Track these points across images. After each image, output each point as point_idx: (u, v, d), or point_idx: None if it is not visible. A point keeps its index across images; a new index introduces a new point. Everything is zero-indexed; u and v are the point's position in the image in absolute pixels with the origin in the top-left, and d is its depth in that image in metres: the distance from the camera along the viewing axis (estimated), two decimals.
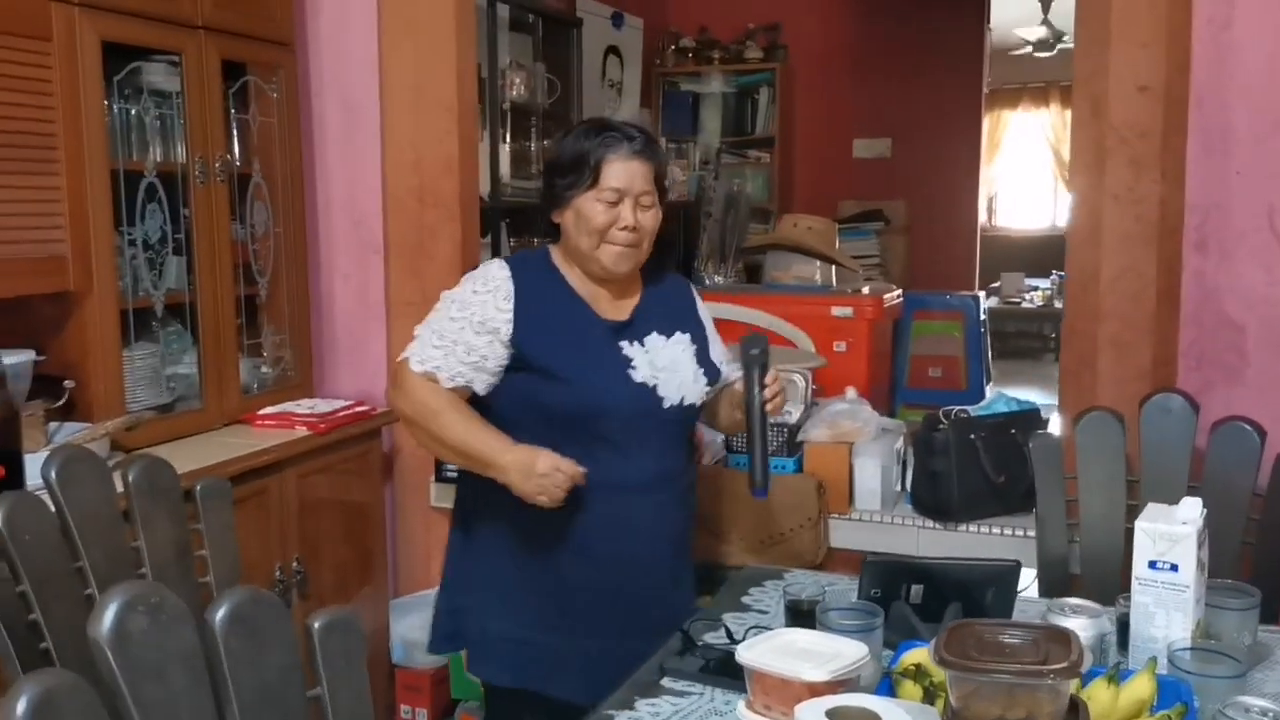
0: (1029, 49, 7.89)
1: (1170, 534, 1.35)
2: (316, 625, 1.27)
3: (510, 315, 1.80)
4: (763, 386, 1.78)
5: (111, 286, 2.28)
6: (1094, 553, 2.11)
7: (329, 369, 3.01)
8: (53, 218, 2.16)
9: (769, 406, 1.79)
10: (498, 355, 1.80)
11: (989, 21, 6.04)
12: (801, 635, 1.28)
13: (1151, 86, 2.25)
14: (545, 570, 1.83)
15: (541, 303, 1.83)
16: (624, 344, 1.83)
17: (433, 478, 2.89)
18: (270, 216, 2.76)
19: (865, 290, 3.60)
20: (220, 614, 1.17)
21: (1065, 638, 1.03)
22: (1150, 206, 2.28)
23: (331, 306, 3.00)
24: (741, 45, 5.97)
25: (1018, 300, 8.87)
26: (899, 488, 2.61)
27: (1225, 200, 2.26)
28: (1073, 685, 1.14)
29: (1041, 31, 7.52)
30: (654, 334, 1.87)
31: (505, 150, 4.00)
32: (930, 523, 2.47)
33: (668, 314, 1.89)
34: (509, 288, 1.82)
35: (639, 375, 1.82)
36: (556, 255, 1.90)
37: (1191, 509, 1.39)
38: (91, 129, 2.21)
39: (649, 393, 1.82)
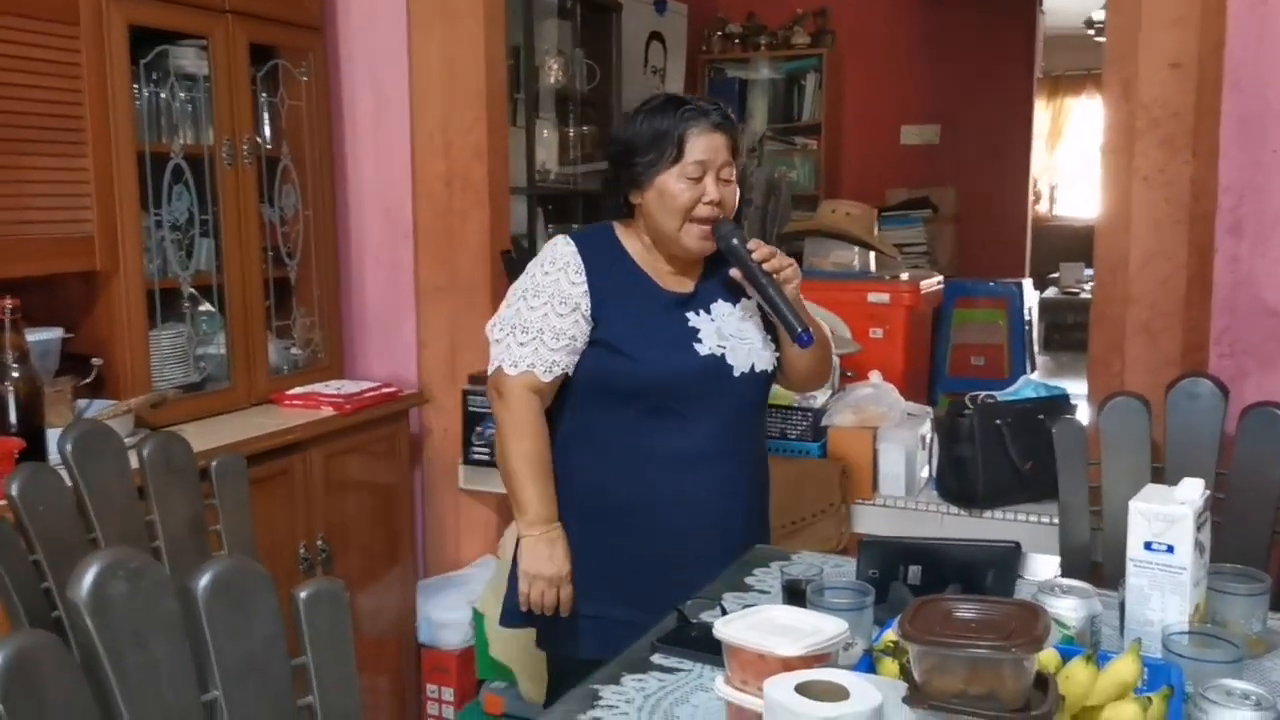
0: (1090, 32, 7.70)
1: (1166, 514, 1.31)
2: (303, 595, 1.29)
3: (585, 288, 1.81)
4: (750, 253, 1.77)
5: (138, 267, 2.33)
6: (1116, 540, 2.04)
7: (359, 352, 3.05)
8: (80, 199, 2.21)
9: (768, 266, 1.77)
10: (584, 332, 1.82)
11: (1041, 5, 5.91)
12: (783, 612, 1.26)
13: (1184, 64, 2.18)
14: (616, 545, 1.84)
15: (608, 277, 1.84)
16: (690, 315, 1.83)
17: (461, 460, 2.91)
18: (299, 199, 2.80)
19: (903, 276, 3.55)
20: (204, 582, 1.18)
21: (1033, 613, 1.00)
22: (1181, 188, 2.21)
23: (362, 290, 3.04)
24: (789, 31, 5.92)
25: (1076, 291, 8.68)
26: (924, 474, 2.57)
27: (1262, 181, 2.18)
28: (1050, 664, 1.12)
29: (1102, 14, 7.34)
30: (720, 301, 1.87)
31: (544, 137, 4.01)
32: (955, 509, 2.44)
33: (734, 281, 1.86)
34: (578, 261, 1.83)
35: (705, 347, 1.81)
36: (620, 230, 1.90)
37: (1191, 490, 1.35)
38: (119, 112, 2.26)
39: (718, 362, 1.82)
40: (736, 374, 1.83)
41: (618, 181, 1.86)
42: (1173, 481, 1.74)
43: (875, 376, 2.62)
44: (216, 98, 2.51)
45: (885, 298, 3.31)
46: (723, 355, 1.82)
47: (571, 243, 1.86)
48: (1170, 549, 1.32)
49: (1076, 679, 1.09)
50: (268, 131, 2.77)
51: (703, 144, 1.78)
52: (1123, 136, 2.27)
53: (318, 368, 2.88)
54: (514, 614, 1.95)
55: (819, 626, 1.21)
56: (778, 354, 1.89)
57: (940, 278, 3.81)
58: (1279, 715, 1.01)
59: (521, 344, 1.82)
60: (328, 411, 2.63)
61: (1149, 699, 1.10)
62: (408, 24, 2.89)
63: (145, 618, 1.13)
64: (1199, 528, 1.33)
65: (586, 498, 1.86)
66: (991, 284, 4.34)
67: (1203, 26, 2.16)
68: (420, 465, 3.02)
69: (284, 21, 2.70)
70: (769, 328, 1.89)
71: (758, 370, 1.85)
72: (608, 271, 1.84)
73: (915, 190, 5.54)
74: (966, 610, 1.02)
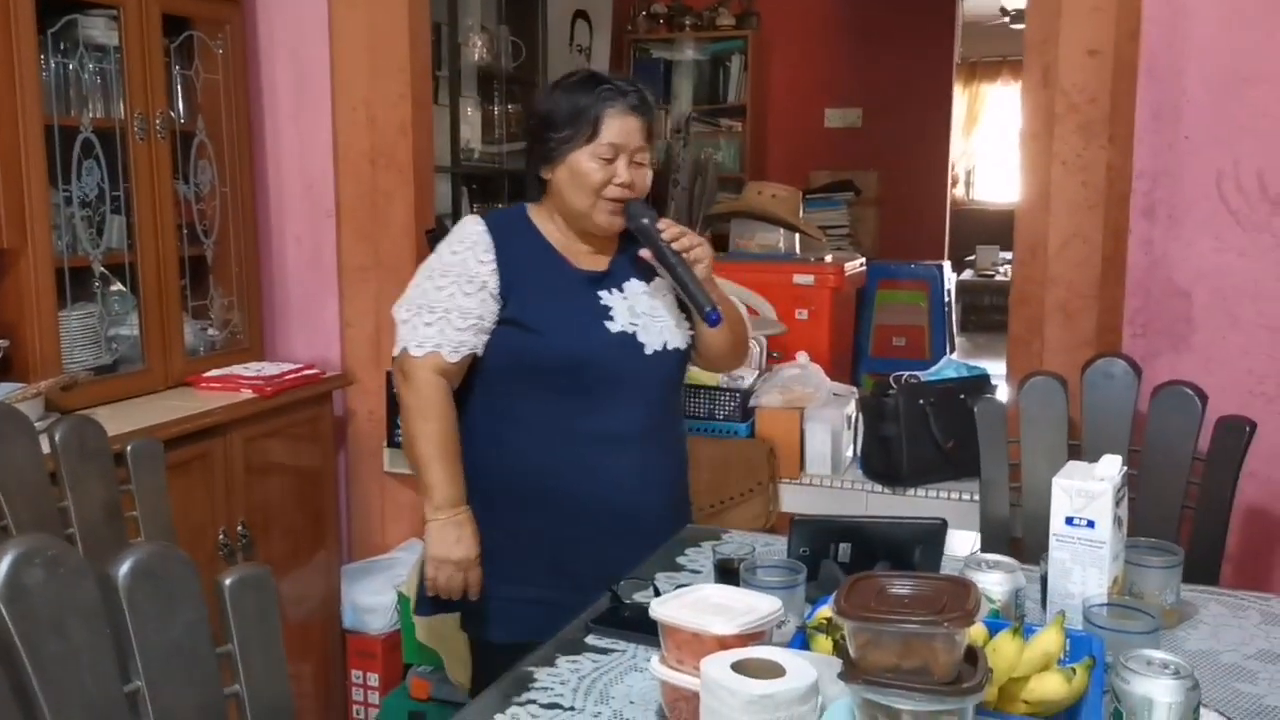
0: (1005, 20, 7.85)
1: (1087, 490, 1.35)
2: (228, 582, 1.26)
3: (494, 267, 1.79)
4: (660, 232, 1.77)
5: (46, 244, 2.25)
6: (1035, 516, 2.10)
7: (280, 333, 2.98)
8: None
9: (677, 245, 1.77)
10: (491, 312, 1.79)
11: None
12: (717, 591, 1.27)
13: (1101, 51, 2.23)
14: (532, 527, 1.83)
15: (519, 256, 1.81)
16: (603, 293, 1.82)
17: (385, 443, 2.87)
18: (215, 175, 2.72)
19: (828, 258, 3.59)
20: (124, 569, 1.15)
21: (965, 588, 1.02)
22: (1098, 173, 2.27)
23: (283, 269, 2.97)
24: (713, 12, 5.92)
25: (992, 273, 8.89)
26: (850, 453, 2.61)
27: (1174, 166, 2.25)
28: (978, 637, 1.14)
29: (1017, 1, 7.49)
30: (633, 279, 1.86)
31: (468, 115, 3.96)
32: (880, 487, 2.48)
33: (643, 261, 1.84)
34: (487, 240, 1.81)
35: (617, 324, 1.80)
36: (533, 211, 1.88)
37: (1110, 466, 1.39)
38: (25, 83, 2.17)
39: (629, 340, 1.80)
40: (649, 351, 1.82)
41: (532, 155, 1.85)
42: (1089, 458, 1.79)
43: (802, 357, 2.65)
44: (128, 70, 2.42)
45: (810, 279, 3.34)
46: (634, 333, 1.81)
47: (481, 222, 1.84)
48: (1091, 524, 1.35)
49: (1003, 652, 1.11)
50: (182, 106, 2.69)
51: (618, 126, 1.76)
52: (1042, 122, 2.32)
53: (236, 349, 2.81)
54: (427, 601, 1.92)
55: (753, 605, 1.22)
56: (692, 332, 1.89)
57: (863, 260, 3.87)
58: (1196, 683, 1.05)
59: (428, 324, 1.78)
60: (248, 394, 2.56)
61: (1073, 670, 1.13)
62: None
63: (64, 606, 1.09)
64: (1118, 503, 1.37)
65: (501, 479, 1.84)
66: (913, 266, 4.42)
67: (1119, 14, 2.21)
68: (344, 448, 2.97)
69: None
70: (684, 306, 1.88)
71: (670, 348, 1.84)
72: (518, 250, 1.82)
73: (839, 173, 5.60)
74: (899, 586, 1.03)
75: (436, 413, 1.80)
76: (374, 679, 2.84)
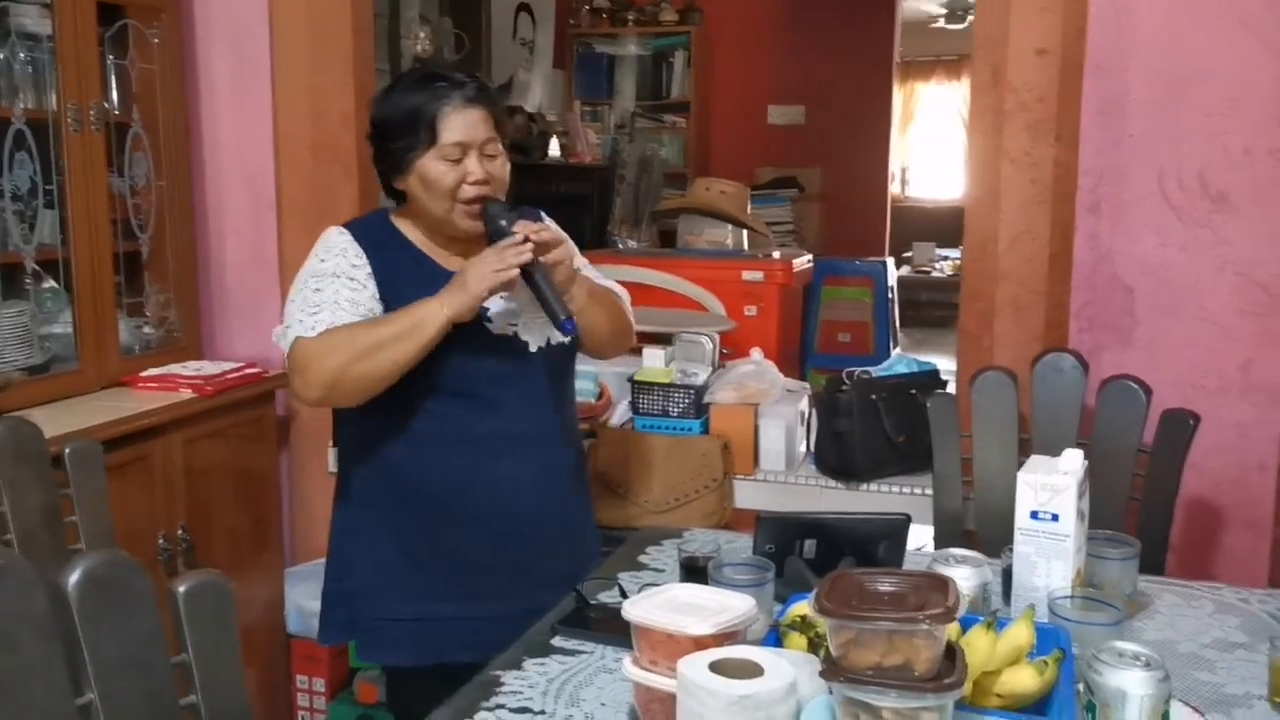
0: (940, 21, 7.96)
1: (1051, 484, 1.36)
2: (182, 589, 1.22)
3: (369, 271, 1.71)
4: (513, 234, 1.66)
5: None
6: (987, 509, 2.14)
7: (220, 331, 2.90)
8: None
9: (528, 248, 1.64)
10: (375, 307, 1.70)
11: None
12: (689, 591, 1.26)
13: (1049, 50, 2.26)
14: (429, 540, 1.75)
15: (387, 263, 1.74)
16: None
17: (331, 442, 2.81)
18: (152, 168, 2.64)
19: (776, 255, 3.60)
20: (75, 578, 1.10)
21: (943, 585, 1.02)
22: (1045, 170, 2.30)
23: (222, 265, 2.89)
24: (656, 8, 5.92)
25: (929, 270, 9.02)
26: (803, 448, 2.62)
27: (1120, 164, 2.29)
28: (951, 632, 1.14)
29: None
30: None
31: None
32: (833, 483, 2.49)
33: None
34: (355, 247, 1.73)
35: (496, 326, 1.72)
36: (396, 216, 1.81)
37: (1072, 460, 1.41)
38: None
39: (510, 341, 1.74)
40: (533, 349, 1.75)
41: (379, 166, 1.76)
42: (1039, 452, 1.81)
43: (756, 354, 2.64)
44: (61, 59, 2.33)
45: (759, 275, 3.34)
46: (515, 333, 1.75)
47: (346, 232, 1.76)
48: (1055, 517, 1.37)
49: (977, 646, 1.12)
50: (116, 96, 2.60)
51: (459, 122, 1.67)
52: (991, 120, 2.34)
53: (174, 348, 2.73)
54: (330, 629, 1.85)
55: (726, 604, 1.21)
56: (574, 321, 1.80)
57: (810, 256, 3.88)
58: (1167, 674, 1.06)
59: (314, 314, 1.68)
60: (187, 394, 2.49)
61: (1044, 662, 1.13)
62: None
63: (15, 619, 1.04)
64: (1080, 496, 1.39)
65: (394, 496, 1.76)
66: (858, 263, 4.46)
67: (1067, 14, 2.24)
68: (288, 449, 2.91)
69: None
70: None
71: (554, 343, 1.78)
72: (387, 258, 1.74)
73: (782, 169, 5.63)
74: (879, 584, 1.03)
75: (343, 335, 1.64)
76: (320, 684, 2.79)
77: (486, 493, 1.74)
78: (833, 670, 0.98)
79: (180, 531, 2.43)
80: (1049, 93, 2.27)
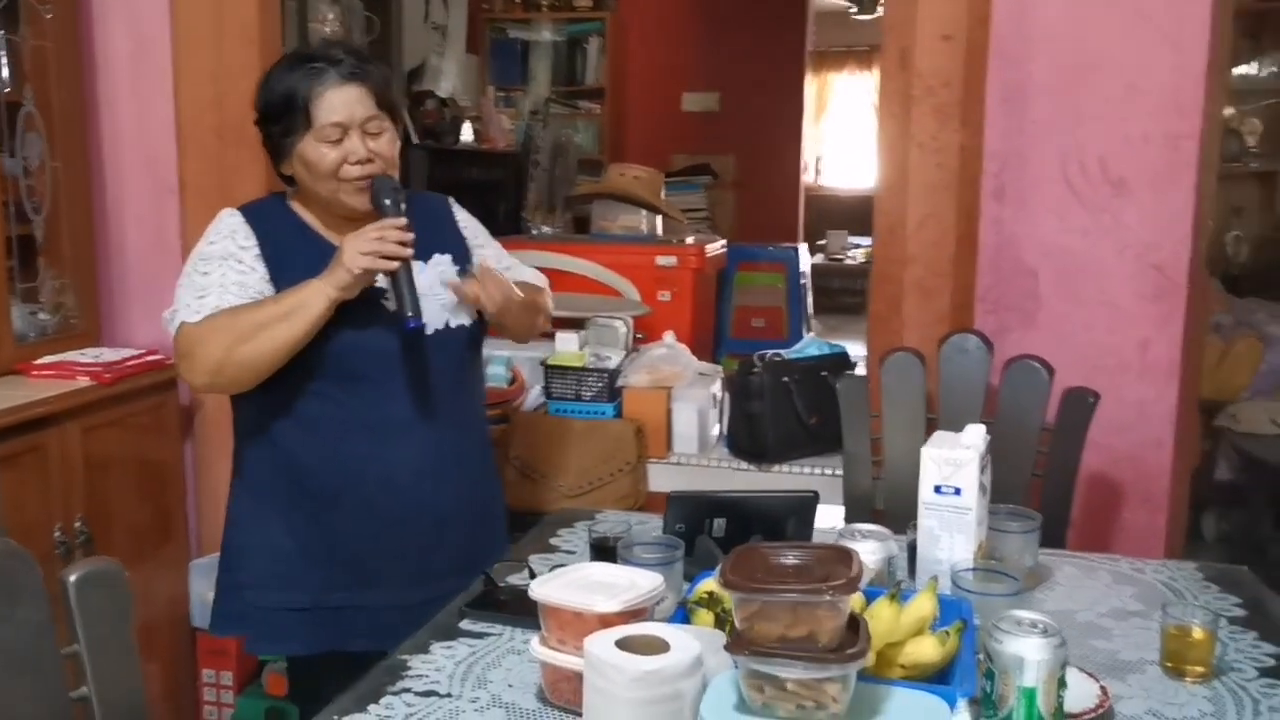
0: (852, 9, 8.06)
1: (953, 459, 1.39)
2: (72, 579, 1.18)
3: (258, 253, 1.67)
4: (401, 213, 1.65)
5: None
6: (895, 487, 2.17)
7: (120, 317, 2.81)
8: None
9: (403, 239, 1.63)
10: (266, 290, 1.66)
11: None
12: (597, 569, 1.25)
13: (954, 35, 2.30)
14: (321, 529, 1.71)
15: (281, 244, 1.70)
16: (378, 278, 1.65)
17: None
18: (47, 149, 2.54)
19: (689, 240, 3.61)
20: None
21: (846, 557, 1.03)
22: (951, 155, 2.34)
23: (122, 249, 2.80)
24: None
25: (841, 258, 9.14)
26: (716, 431, 2.63)
27: (1023, 149, 2.34)
28: (855, 605, 1.16)
29: None
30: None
31: None
32: (745, 464, 2.51)
33: (424, 237, 1.69)
34: (245, 229, 1.70)
35: (393, 304, 1.66)
36: (290, 198, 1.77)
37: (974, 436, 1.43)
38: None
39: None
40: (430, 331, 1.71)
41: (267, 151, 1.73)
42: (945, 430, 1.85)
43: (669, 337, 2.65)
44: None
45: (673, 260, 3.35)
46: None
47: (237, 214, 1.73)
48: (958, 491, 1.39)
49: (882, 617, 1.13)
50: (6, 73, 2.49)
51: (334, 102, 1.63)
52: (900, 104, 2.37)
53: (71, 334, 2.63)
54: (222, 620, 1.81)
55: (634, 581, 1.21)
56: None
57: (724, 242, 3.90)
58: (1064, 641, 1.08)
59: (200, 297, 1.64)
60: (85, 382, 2.41)
61: (946, 633, 1.16)
62: None
63: None
64: (982, 470, 1.42)
65: (284, 482, 1.72)
66: (771, 249, 4.49)
67: (971, 0, 2.28)
68: (191, 438, 2.83)
69: None
70: (464, 278, 1.78)
71: (453, 326, 1.74)
72: (280, 238, 1.71)
73: (697, 156, 5.65)
74: (784, 557, 1.04)
75: (226, 320, 1.60)
76: (228, 677, 2.72)
77: (379, 479, 1.70)
78: (738, 643, 0.99)
79: (78, 524, 2.35)
80: (955, 78, 2.31)
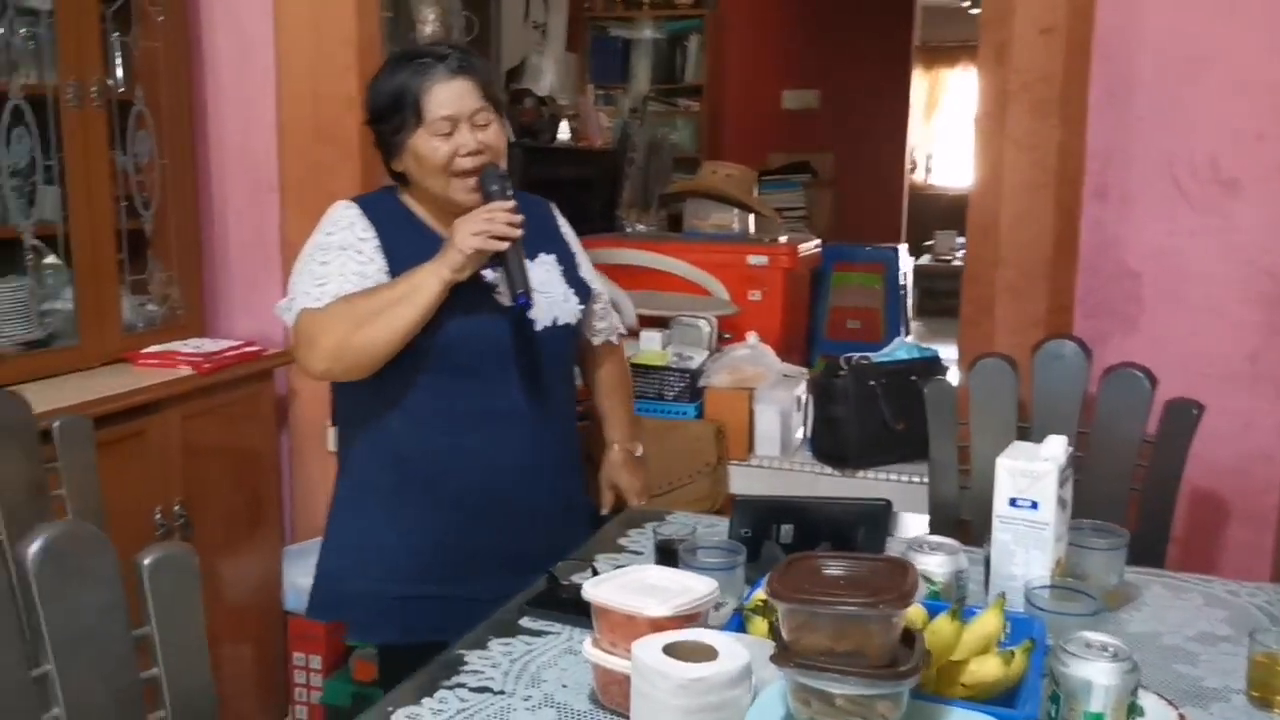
0: (965, 3, 7.87)
1: (1030, 471, 1.34)
2: (146, 562, 1.21)
3: (376, 244, 1.71)
4: (509, 199, 1.67)
5: None
6: (982, 498, 2.07)
7: (222, 309, 2.91)
8: None
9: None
10: (382, 280, 1.69)
11: None
12: (653, 572, 1.24)
13: (1055, 29, 2.22)
14: (420, 519, 1.74)
15: (395, 237, 1.73)
16: (486, 271, 1.71)
17: (329, 422, 2.81)
18: (155, 147, 2.64)
19: (782, 239, 3.57)
20: (34, 549, 1.10)
21: (902, 570, 1.00)
22: (1049, 153, 2.25)
23: (225, 244, 2.89)
24: None
25: (949, 258, 8.93)
26: (799, 434, 2.59)
27: (1127, 147, 2.25)
28: (917, 619, 1.12)
29: None
30: None
31: None
32: (829, 469, 2.46)
33: (531, 236, 1.73)
34: (363, 220, 1.73)
35: (504, 300, 1.71)
36: (403, 193, 1.80)
37: (1055, 446, 1.38)
38: None
39: (518, 316, 1.73)
40: (538, 328, 1.74)
41: (380, 151, 1.77)
42: (1038, 440, 1.79)
43: (752, 337, 2.62)
44: (61, 35, 2.33)
45: (764, 260, 3.32)
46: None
47: (354, 205, 1.76)
48: (1034, 505, 1.34)
49: (941, 634, 1.09)
50: (120, 73, 2.60)
51: (444, 96, 1.67)
52: (995, 101, 2.30)
53: (176, 325, 2.73)
54: (323, 606, 1.85)
55: (688, 586, 1.19)
56: (582, 307, 1.84)
57: (818, 241, 3.85)
58: (1135, 666, 1.03)
59: (320, 285, 1.67)
60: (185, 371, 2.49)
61: (1011, 653, 1.11)
62: None
63: None
64: (1062, 484, 1.36)
65: (389, 472, 1.75)
66: (869, 249, 4.41)
67: None
68: (287, 427, 2.91)
69: None
70: (569, 281, 1.83)
71: (560, 324, 1.77)
72: (395, 233, 1.73)
73: (795, 154, 5.58)
74: (835, 567, 1.01)
75: (343, 307, 1.63)
76: (316, 661, 2.79)
77: (481, 471, 1.73)
78: (784, 655, 0.96)
79: (177, 508, 2.44)
80: (1054, 73, 2.23)
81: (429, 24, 3.86)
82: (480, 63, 1.74)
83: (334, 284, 1.67)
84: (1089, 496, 2.10)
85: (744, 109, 5.97)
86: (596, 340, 1.97)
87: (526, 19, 4.80)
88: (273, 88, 2.81)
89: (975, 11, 7.99)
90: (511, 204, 1.64)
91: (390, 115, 1.70)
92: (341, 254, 1.70)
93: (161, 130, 2.66)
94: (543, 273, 1.79)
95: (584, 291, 1.85)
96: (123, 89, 2.59)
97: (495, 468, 1.73)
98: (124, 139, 2.58)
